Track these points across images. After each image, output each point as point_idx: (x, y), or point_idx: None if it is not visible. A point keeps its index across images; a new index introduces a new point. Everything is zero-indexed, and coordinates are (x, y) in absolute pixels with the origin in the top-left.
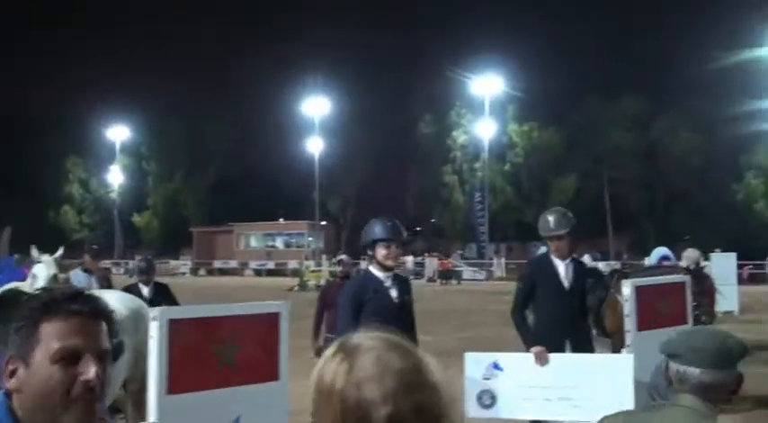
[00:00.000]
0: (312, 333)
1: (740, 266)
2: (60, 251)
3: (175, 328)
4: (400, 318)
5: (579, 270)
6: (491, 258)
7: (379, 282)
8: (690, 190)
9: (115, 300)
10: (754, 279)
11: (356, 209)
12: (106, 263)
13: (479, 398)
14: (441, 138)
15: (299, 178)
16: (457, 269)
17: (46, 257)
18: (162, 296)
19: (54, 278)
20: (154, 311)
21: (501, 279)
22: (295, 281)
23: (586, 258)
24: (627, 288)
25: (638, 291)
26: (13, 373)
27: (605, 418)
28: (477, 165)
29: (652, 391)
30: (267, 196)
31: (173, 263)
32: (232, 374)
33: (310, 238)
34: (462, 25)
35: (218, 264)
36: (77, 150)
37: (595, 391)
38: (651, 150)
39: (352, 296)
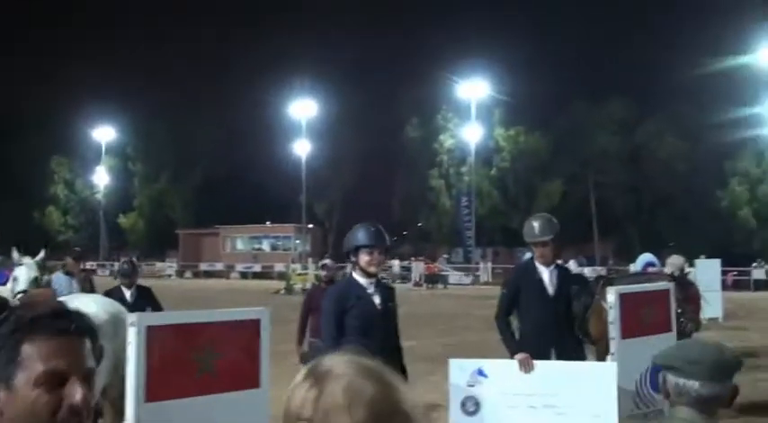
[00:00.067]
0: (296, 338)
1: (724, 273)
2: (42, 254)
3: (154, 335)
4: (383, 325)
5: (564, 276)
6: (477, 263)
7: (362, 288)
8: (675, 195)
9: (95, 304)
10: (738, 285)
11: (342, 212)
12: (92, 264)
13: (463, 404)
14: (427, 142)
15: (285, 181)
16: (443, 273)
17: (27, 260)
18: (145, 299)
19: (35, 281)
20: (131, 317)
21: (487, 283)
22: (281, 284)
23: (572, 264)
24: (611, 295)
25: (623, 298)
26: None
27: None
28: (464, 169)
29: (636, 399)
30: (254, 199)
31: (158, 265)
32: (212, 382)
33: (297, 241)
34: (449, 29)
35: (204, 266)
36: (62, 151)
37: (579, 399)
38: (637, 155)
39: (334, 302)
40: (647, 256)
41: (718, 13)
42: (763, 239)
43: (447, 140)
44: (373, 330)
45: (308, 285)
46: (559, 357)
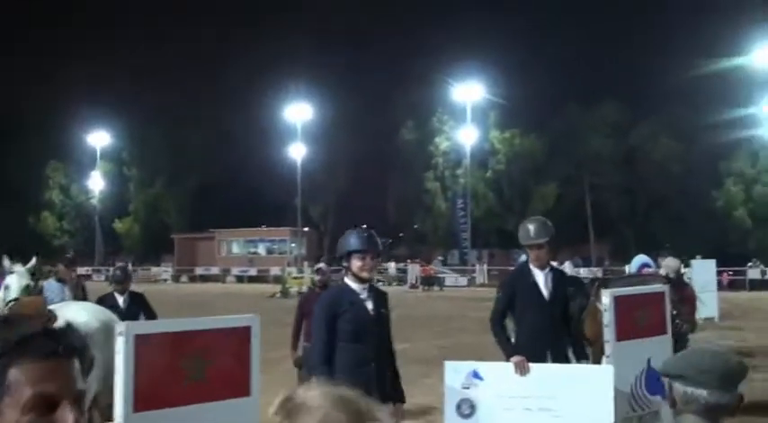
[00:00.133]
0: (291, 343)
1: (720, 273)
2: (33, 261)
3: (143, 344)
4: (376, 330)
5: (559, 279)
6: (473, 265)
7: (354, 293)
8: (670, 196)
9: (85, 312)
10: (733, 285)
11: (338, 215)
12: (87, 270)
13: (459, 407)
14: (423, 144)
15: (281, 184)
16: (439, 275)
17: (18, 268)
18: (138, 305)
19: (27, 289)
20: (120, 327)
21: (483, 285)
22: (277, 288)
23: (568, 265)
24: (605, 298)
25: (617, 301)
26: None
27: None
28: (459, 171)
29: (631, 401)
30: (249, 202)
31: (154, 269)
32: (202, 390)
33: (293, 245)
34: (444, 32)
35: (199, 270)
36: (58, 156)
37: (576, 402)
38: (631, 157)
39: (326, 308)
40: (641, 258)
41: (711, 15)
42: (758, 239)
43: (442, 143)
44: (366, 336)
45: (304, 289)
46: (555, 360)
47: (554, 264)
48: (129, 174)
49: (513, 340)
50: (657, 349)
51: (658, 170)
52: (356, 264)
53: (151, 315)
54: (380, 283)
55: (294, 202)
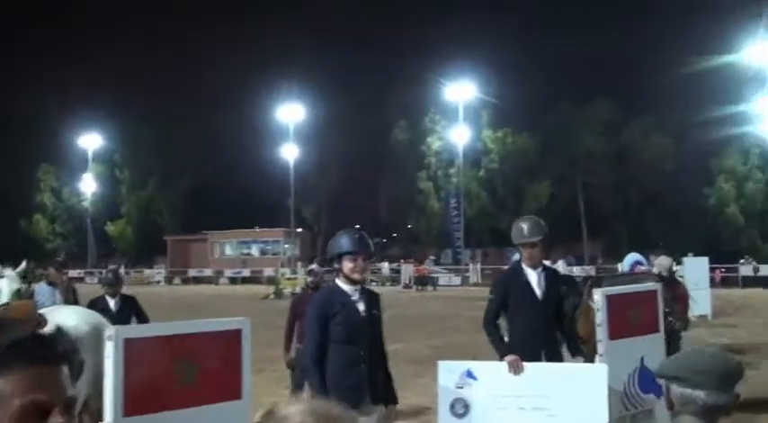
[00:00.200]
0: (284, 344)
1: (712, 270)
2: (23, 265)
3: (132, 348)
4: (368, 331)
5: (552, 278)
6: (467, 264)
7: (346, 295)
8: (662, 194)
9: (75, 315)
10: (726, 282)
11: (331, 215)
12: (80, 272)
13: (452, 407)
14: (415, 144)
15: (273, 185)
16: (433, 275)
17: (9, 272)
18: (129, 308)
19: (18, 293)
20: (109, 331)
21: (477, 285)
22: (270, 289)
23: (561, 264)
24: (598, 297)
25: (610, 300)
26: None
27: None
28: (452, 171)
29: (624, 400)
30: (242, 203)
31: (147, 272)
32: (192, 394)
33: (286, 246)
34: (436, 32)
35: (192, 272)
36: (49, 159)
37: (570, 401)
38: (623, 155)
39: (317, 310)
40: (634, 256)
41: (701, 13)
42: (750, 236)
43: (435, 143)
44: (358, 337)
45: (298, 290)
46: (549, 360)
47: (547, 263)
48: (120, 176)
49: (506, 340)
50: (650, 348)
51: (650, 168)
52: (347, 265)
53: (143, 318)
54: (374, 284)
55: (287, 203)
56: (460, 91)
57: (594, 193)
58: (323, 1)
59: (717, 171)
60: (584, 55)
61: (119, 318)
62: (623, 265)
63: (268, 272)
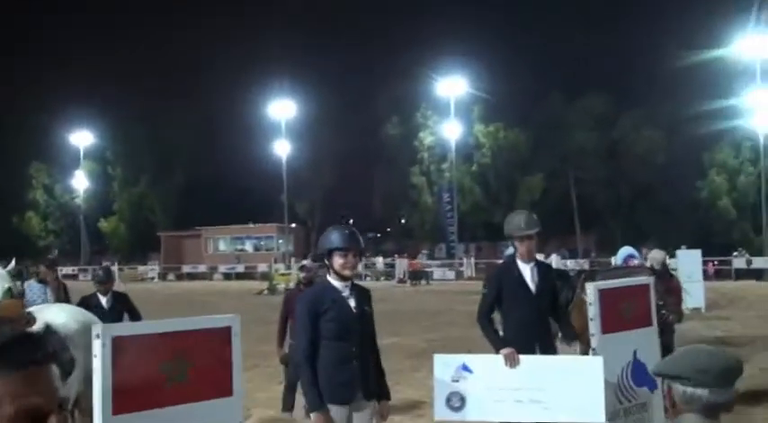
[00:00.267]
0: (277, 340)
1: (705, 263)
2: (12, 263)
3: (121, 346)
4: (359, 328)
5: (545, 272)
6: (461, 258)
7: (336, 291)
8: (654, 188)
9: (64, 313)
10: (719, 275)
11: (324, 211)
12: (73, 269)
13: (448, 400)
14: (407, 139)
15: (266, 181)
16: (427, 270)
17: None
18: (121, 305)
19: (9, 291)
20: (96, 329)
21: (471, 279)
22: (264, 284)
23: (554, 257)
24: (591, 291)
25: (602, 294)
26: None
27: None
28: (445, 166)
29: (618, 393)
30: (235, 199)
31: (140, 268)
32: (182, 392)
33: (280, 241)
34: (426, 27)
35: (186, 268)
36: (41, 156)
37: (566, 393)
38: (615, 149)
39: (308, 306)
40: (627, 249)
41: (692, 7)
42: (742, 229)
43: (427, 138)
44: (349, 333)
45: (292, 285)
46: (544, 353)
47: (540, 257)
48: (113, 173)
49: (500, 334)
50: (643, 341)
51: (642, 162)
52: (338, 261)
53: (135, 315)
54: (368, 279)
55: (280, 199)
56: (452, 86)
57: (587, 187)
58: None
59: (709, 164)
60: (574, 49)
61: (110, 315)
62: (617, 259)
63: (262, 267)
